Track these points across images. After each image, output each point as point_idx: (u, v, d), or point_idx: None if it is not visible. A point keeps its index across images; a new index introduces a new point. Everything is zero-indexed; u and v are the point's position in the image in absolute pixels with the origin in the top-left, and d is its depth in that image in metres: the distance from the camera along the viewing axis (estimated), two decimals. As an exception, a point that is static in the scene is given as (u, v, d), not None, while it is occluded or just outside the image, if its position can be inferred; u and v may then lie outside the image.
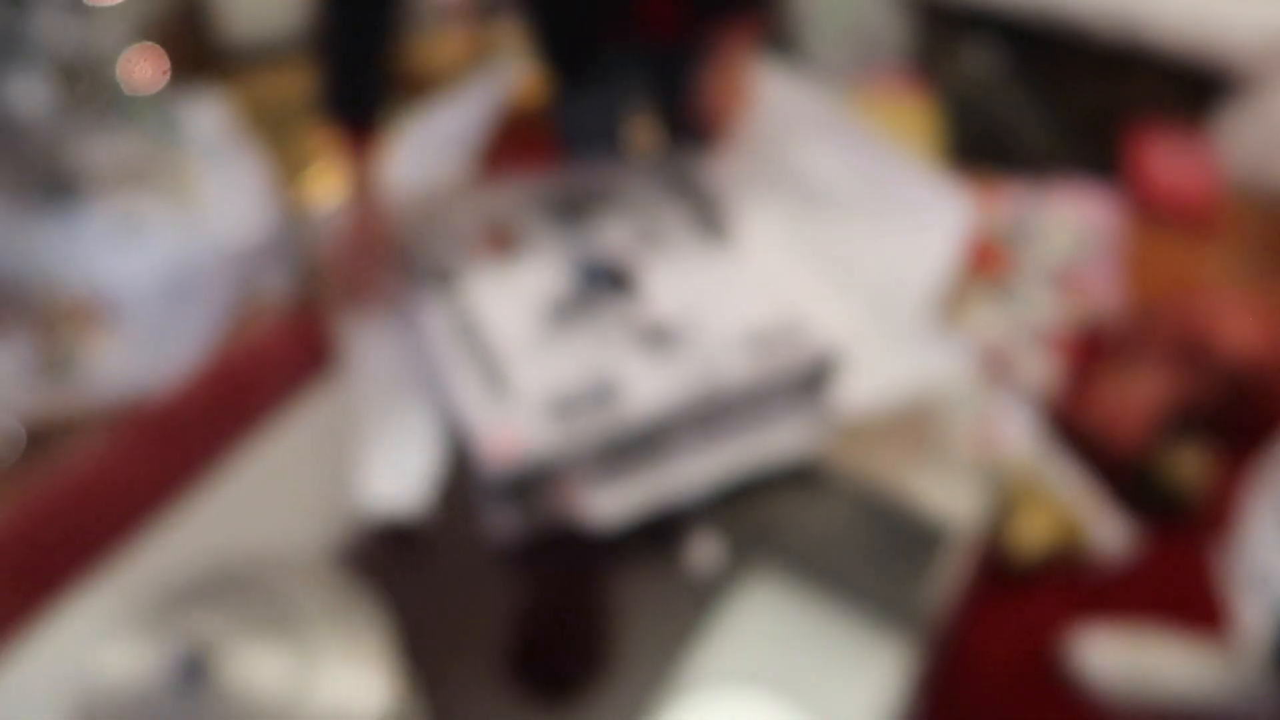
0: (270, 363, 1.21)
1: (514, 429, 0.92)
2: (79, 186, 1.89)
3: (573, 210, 1.18)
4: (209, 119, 2.03)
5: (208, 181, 1.90)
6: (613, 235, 1.14)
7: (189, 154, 1.90)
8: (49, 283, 1.77)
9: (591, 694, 0.88)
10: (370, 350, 1.11)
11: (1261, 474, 1.51)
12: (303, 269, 1.79)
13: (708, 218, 1.16)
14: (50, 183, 1.93)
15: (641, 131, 1.44)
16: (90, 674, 0.72)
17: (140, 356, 1.78)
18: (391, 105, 1.10)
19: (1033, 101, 2.20)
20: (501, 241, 1.12)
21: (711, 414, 0.98)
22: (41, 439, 1.65)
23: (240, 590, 0.76)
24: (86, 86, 1.82)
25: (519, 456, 0.90)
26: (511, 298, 1.06)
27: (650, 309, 1.04)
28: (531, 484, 0.92)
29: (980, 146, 2.10)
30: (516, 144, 1.56)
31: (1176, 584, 1.44)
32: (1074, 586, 1.42)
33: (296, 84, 2.28)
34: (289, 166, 2.09)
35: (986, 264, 1.09)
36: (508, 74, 1.64)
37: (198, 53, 2.59)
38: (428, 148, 1.28)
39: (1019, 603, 1.40)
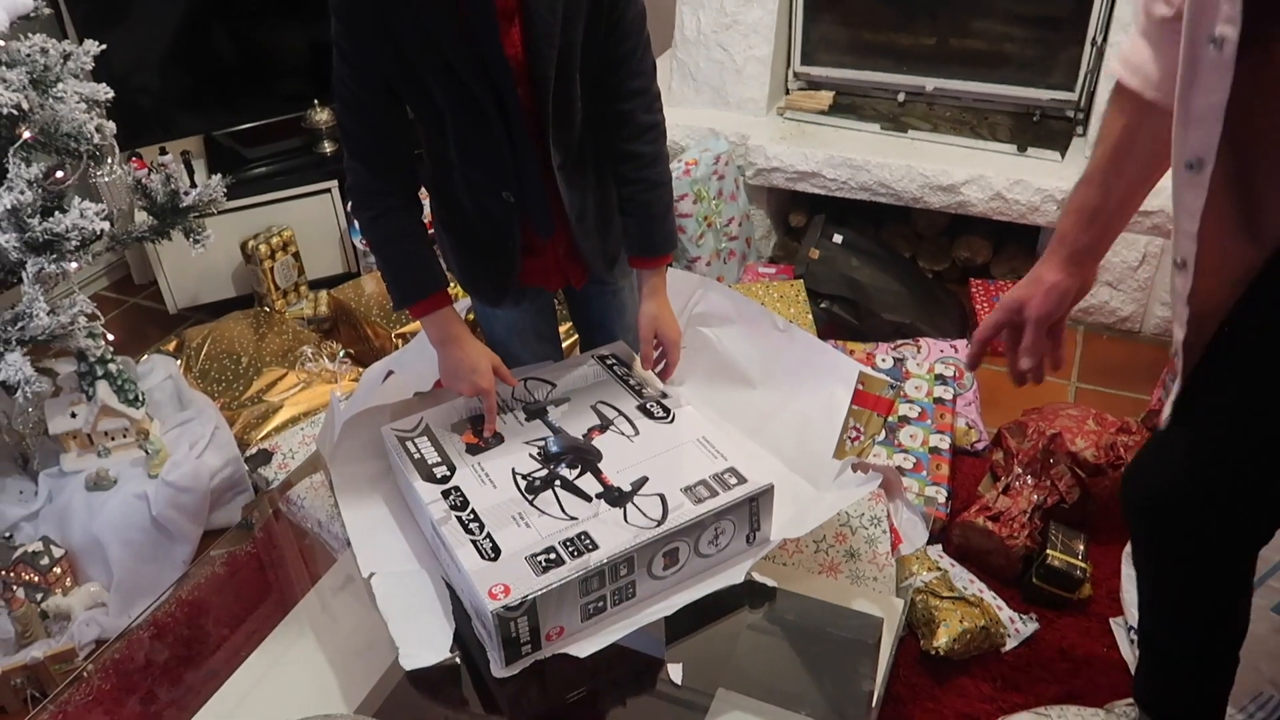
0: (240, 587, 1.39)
1: (506, 581, 1.09)
2: (48, 449, 2.02)
3: (538, 405, 1.41)
4: (162, 375, 2.20)
5: (167, 432, 2.05)
6: (574, 422, 1.36)
7: (149, 409, 2.05)
8: (21, 543, 1.86)
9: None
10: (378, 532, 1.30)
11: (1125, 550, 1.78)
12: (260, 499, 1.94)
13: (651, 403, 1.39)
14: (24, 450, 2.05)
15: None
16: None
17: (113, 605, 1.86)
18: (439, 271, 1.38)
19: (888, 269, 2.57)
20: (483, 434, 1.34)
21: (668, 550, 1.18)
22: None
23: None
24: (53, 358, 1.99)
25: (511, 602, 1.07)
26: (494, 479, 1.27)
27: (609, 476, 1.26)
28: (524, 623, 1.09)
29: (849, 311, 2.45)
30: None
31: (1082, 654, 1.65)
32: (992, 672, 1.62)
33: (235, 336, 2.49)
34: (238, 408, 2.27)
35: (872, 407, 1.36)
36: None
37: (147, 319, 2.80)
38: (418, 363, 1.50)
39: (944, 692, 1.59)
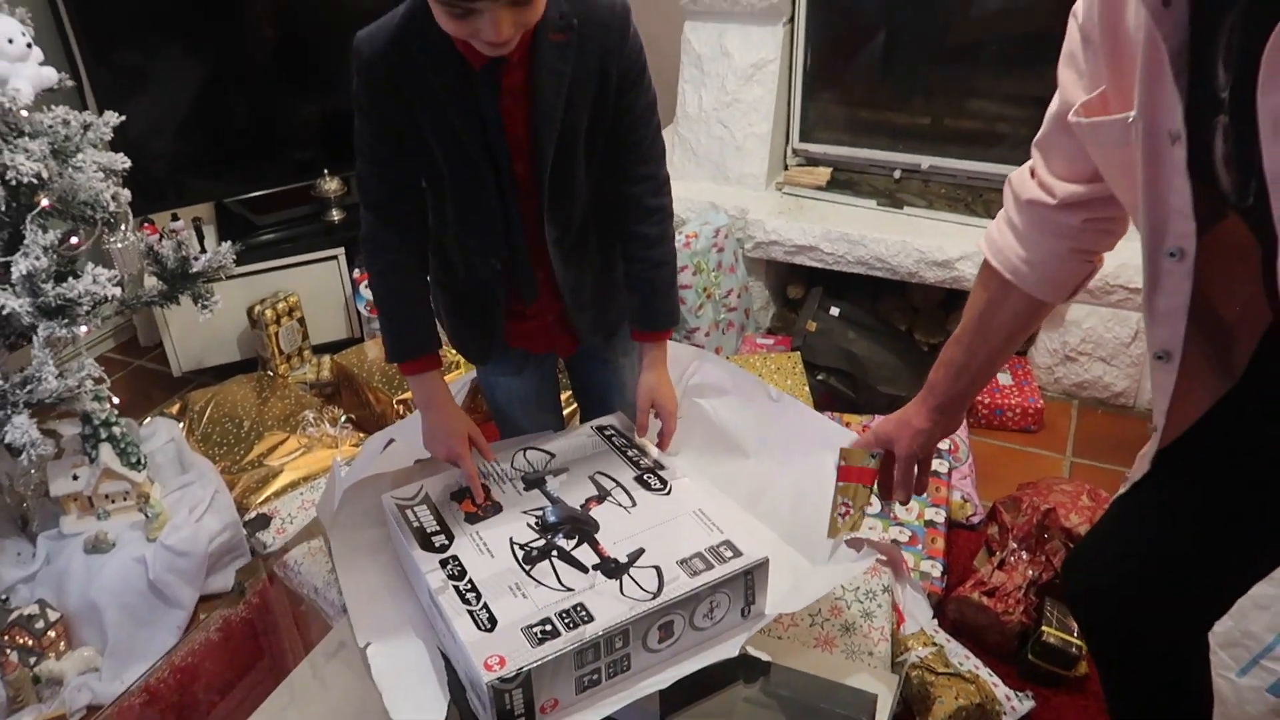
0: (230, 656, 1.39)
1: (502, 652, 1.10)
2: (48, 511, 2.03)
3: (537, 475, 1.42)
4: (164, 438, 2.22)
5: (168, 495, 2.06)
6: (572, 492, 1.38)
7: (151, 471, 2.06)
8: (17, 606, 1.86)
9: None
10: (375, 600, 1.31)
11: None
12: (254, 564, 1.94)
13: (648, 475, 1.41)
14: (24, 512, 2.06)
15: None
16: None
17: (107, 670, 1.86)
18: (434, 333, 1.41)
19: (884, 341, 2.61)
20: (483, 503, 1.35)
21: (663, 623, 1.19)
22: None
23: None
24: (57, 420, 2.01)
25: (507, 674, 1.07)
26: (491, 549, 1.28)
27: (606, 547, 1.27)
28: (519, 695, 1.09)
29: (845, 384, 2.47)
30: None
31: (1076, 736, 1.64)
32: (991, 751, 1.61)
33: (238, 400, 2.52)
34: (238, 472, 2.28)
35: (856, 480, 1.37)
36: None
37: (151, 382, 2.83)
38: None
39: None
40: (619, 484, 1.39)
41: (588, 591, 1.20)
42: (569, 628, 1.14)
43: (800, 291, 2.87)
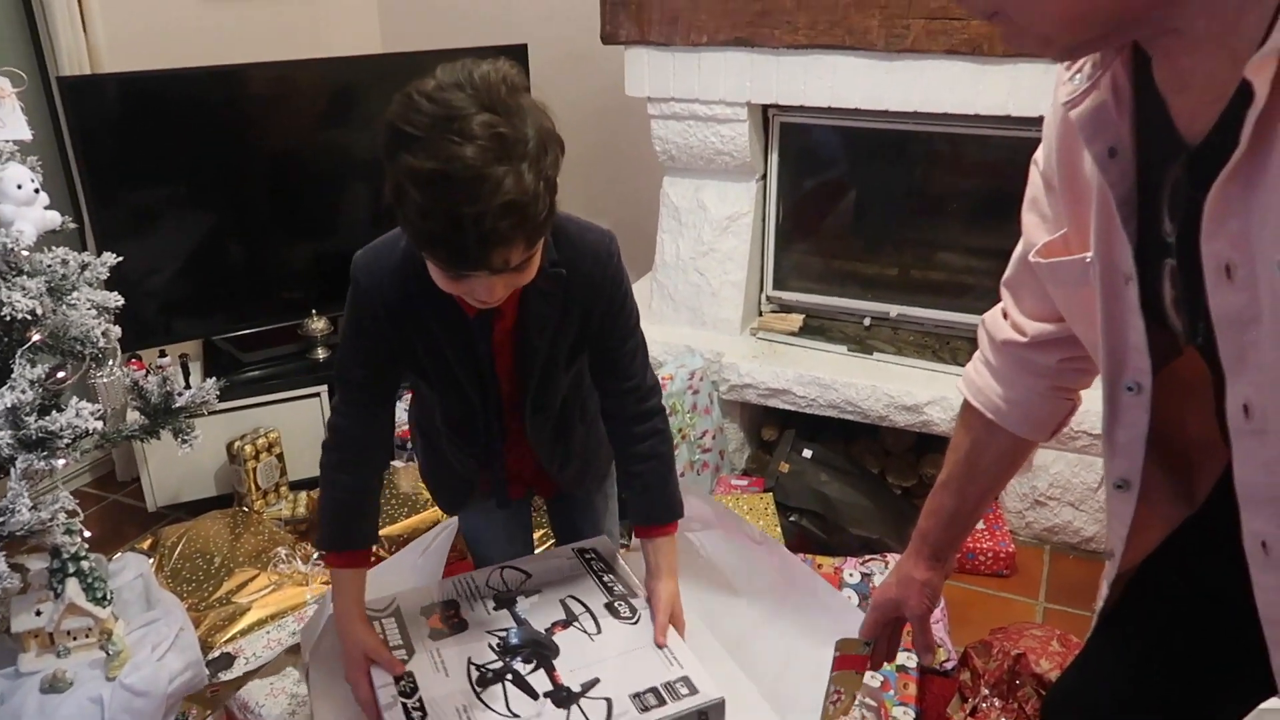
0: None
1: None
2: (6, 648, 1.98)
3: (509, 594, 1.42)
4: (133, 573, 2.20)
5: (132, 632, 2.03)
6: (540, 615, 1.37)
7: (116, 607, 2.04)
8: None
9: None
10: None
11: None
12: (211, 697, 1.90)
13: (620, 602, 1.41)
14: (-17, 648, 2.01)
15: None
16: None
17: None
18: (373, 531, 1.40)
19: (856, 484, 2.64)
20: (451, 620, 1.35)
21: None
22: None
23: None
24: (25, 554, 2.00)
25: None
26: (448, 667, 1.27)
27: (561, 674, 1.26)
28: None
29: (817, 525, 2.49)
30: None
31: None
32: None
33: (210, 535, 2.51)
34: (205, 609, 2.25)
35: (849, 667, 1.34)
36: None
37: (125, 516, 2.81)
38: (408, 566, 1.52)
39: None
40: (588, 609, 1.39)
41: (533, 718, 1.18)
42: None
43: (774, 434, 2.92)
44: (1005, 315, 1.11)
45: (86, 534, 1.99)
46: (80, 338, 1.91)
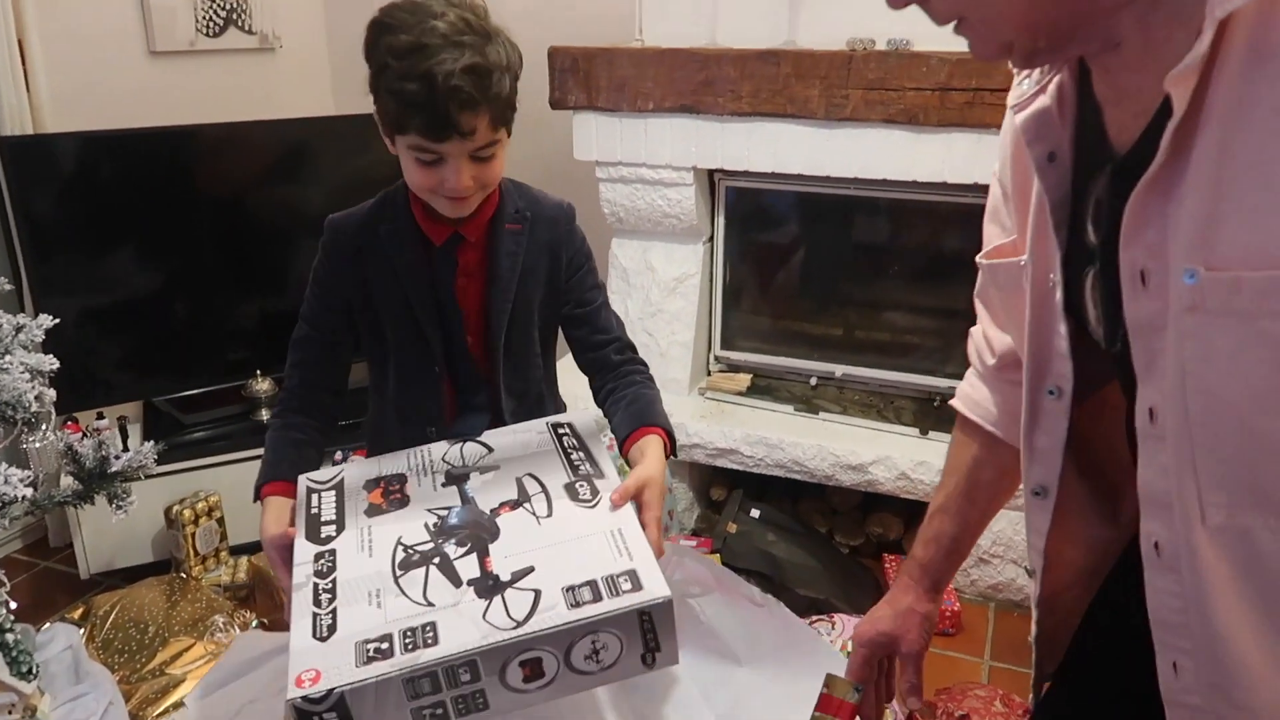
0: None
1: (320, 667, 0.97)
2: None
3: (463, 471, 1.29)
4: (62, 644, 2.13)
5: (58, 707, 1.95)
6: (490, 494, 1.23)
7: (43, 681, 1.97)
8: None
9: None
10: None
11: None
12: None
13: (581, 483, 1.23)
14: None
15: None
16: None
17: None
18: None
19: (804, 543, 2.65)
20: (394, 495, 1.26)
21: (527, 659, 1.00)
22: None
23: None
24: (-53, 628, 1.92)
25: (315, 693, 0.94)
26: (374, 547, 1.15)
27: (494, 560, 1.10)
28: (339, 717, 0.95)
29: (765, 586, 2.48)
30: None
31: None
32: None
33: (145, 604, 2.43)
34: (137, 681, 2.18)
35: (835, 713, 1.29)
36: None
37: (57, 585, 2.72)
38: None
39: None
40: (544, 489, 1.22)
41: (448, 610, 1.03)
42: (407, 649, 0.98)
43: (723, 493, 2.93)
44: (983, 333, 1.13)
45: (13, 605, 1.93)
46: (12, 402, 1.87)
